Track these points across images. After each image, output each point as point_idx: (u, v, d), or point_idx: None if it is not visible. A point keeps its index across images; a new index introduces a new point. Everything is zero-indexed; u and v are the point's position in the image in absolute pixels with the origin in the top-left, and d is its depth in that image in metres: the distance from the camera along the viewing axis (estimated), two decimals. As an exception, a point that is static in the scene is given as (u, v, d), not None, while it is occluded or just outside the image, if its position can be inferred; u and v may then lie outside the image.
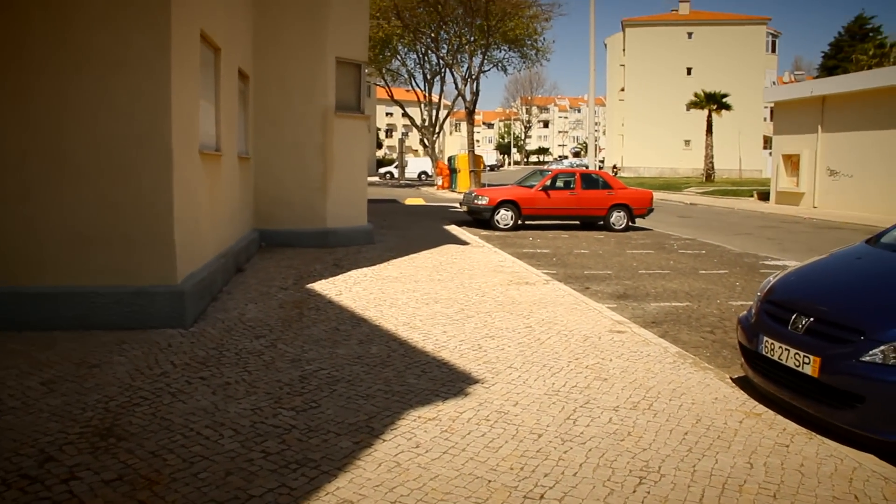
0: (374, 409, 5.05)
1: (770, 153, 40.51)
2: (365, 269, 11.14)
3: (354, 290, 9.48)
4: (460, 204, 21.44)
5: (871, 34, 66.59)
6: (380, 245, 14.39)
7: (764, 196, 39.24)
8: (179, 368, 5.90)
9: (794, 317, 5.22)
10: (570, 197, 20.11)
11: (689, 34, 79.03)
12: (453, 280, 10.46)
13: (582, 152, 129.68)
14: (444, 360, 6.34)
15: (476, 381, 5.75)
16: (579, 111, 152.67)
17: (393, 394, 5.40)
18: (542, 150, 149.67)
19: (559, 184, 20.51)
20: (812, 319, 5.08)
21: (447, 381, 5.72)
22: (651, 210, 21.14)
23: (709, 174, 59.27)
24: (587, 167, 29.81)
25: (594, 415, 5.07)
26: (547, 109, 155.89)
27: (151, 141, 7.07)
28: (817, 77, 57.46)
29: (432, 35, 42.38)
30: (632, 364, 6.39)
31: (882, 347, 4.57)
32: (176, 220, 7.23)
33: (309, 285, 9.73)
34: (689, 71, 77.63)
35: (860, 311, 4.98)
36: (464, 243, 15.28)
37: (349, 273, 10.76)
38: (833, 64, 65.41)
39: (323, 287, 9.61)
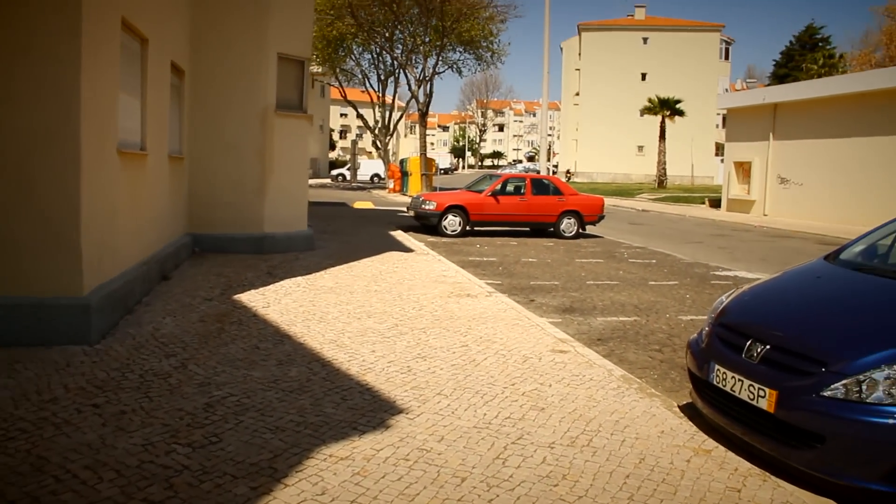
0: (282, 446, 4.49)
1: (722, 160, 40.58)
2: (299, 279, 10.53)
3: (284, 301, 8.88)
4: (407, 208, 20.86)
5: (820, 44, 67.53)
6: (320, 252, 13.76)
7: (715, 203, 39.31)
8: (72, 393, 5.27)
9: (748, 343, 4.75)
10: (520, 203, 19.65)
11: (645, 39, 79.42)
12: (391, 291, 9.90)
13: (536, 156, 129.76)
14: (369, 384, 5.79)
15: (400, 411, 5.21)
16: (535, 115, 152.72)
17: (306, 426, 4.83)
18: (497, 154, 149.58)
19: (509, 189, 20.04)
20: (768, 347, 4.61)
21: (368, 411, 5.17)
22: (602, 217, 20.81)
23: (661, 180, 59.43)
24: (539, 172, 29.44)
25: (527, 453, 4.56)
26: (502, 113, 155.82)
27: (57, 136, 6.40)
28: (769, 85, 57.88)
29: (387, 35, 41.78)
30: (572, 390, 5.89)
31: (845, 381, 4.13)
32: (84, 224, 6.58)
33: (237, 296, 9.11)
34: (643, 76, 77.99)
35: (821, 338, 4.53)
36: (408, 250, 14.72)
37: (282, 283, 10.15)
38: (784, 72, 66.14)
39: (251, 298, 8.99)
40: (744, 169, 35.72)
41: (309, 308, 8.55)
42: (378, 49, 44.69)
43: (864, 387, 4.07)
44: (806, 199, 31.62)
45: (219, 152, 13.05)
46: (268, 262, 11.95)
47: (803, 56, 65.07)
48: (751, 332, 4.83)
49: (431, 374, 6.16)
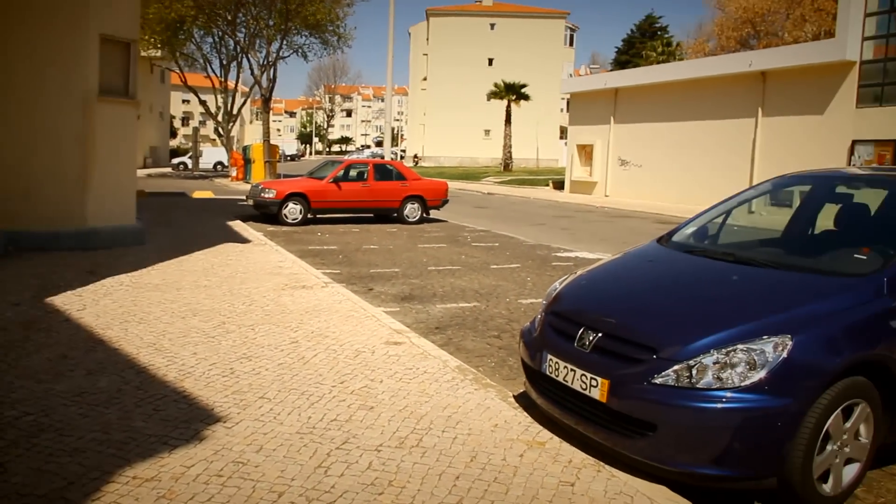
0: (79, 470, 4.01)
1: (566, 143, 41.54)
2: (123, 276, 9.82)
3: (103, 302, 8.21)
4: (246, 197, 20.08)
5: (659, 33, 70.47)
6: (150, 246, 12.96)
7: (559, 185, 40.25)
8: None
9: (580, 331, 4.59)
10: (363, 189, 19.29)
11: (492, 25, 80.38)
12: (221, 286, 9.36)
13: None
14: (186, 391, 5.34)
15: (218, 419, 4.80)
16: (383, 100, 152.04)
17: (110, 444, 4.36)
18: (345, 140, 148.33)
19: (351, 175, 19.62)
20: (600, 335, 4.47)
21: (182, 422, 4.74)
22: (446, 201, 20.75)
23: (507, 164, 60.43)
24: (383, 157, 29.19)
25: (351, 459, 4.26)
26: (350, 98, 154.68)
27: None
28: (611, 71, 59.79)
29: (229, 17, 40.24)
30: (404, 385, 5.64)
31: (676, 367, 4.04)
32: None
33: (50, 299, 8.35)
34: (490, 61, 78.94)
35: (652, 325, 4.44)
36: (245, 241, 14.11)
37: (103, 281, 9.42)
38: (626, 59, 68.61)
39: (66, 301, 8.26)
40: (586, 152, 36.71)
41: (129, 309, 7.93)
42: (220, 32, 43.20)
43: (694, 372, 4.00)
44: (645, 180, 32.80)
45: (33, 140, 12.05)
46: (91, 260, 11.11)
47: (643, 44, 67.69)
48: (583, 320, 4.70)
49: (256, 375, 5.76)
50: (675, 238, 5.89)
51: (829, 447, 4.08)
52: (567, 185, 38.34)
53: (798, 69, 26.27)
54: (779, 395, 3.88)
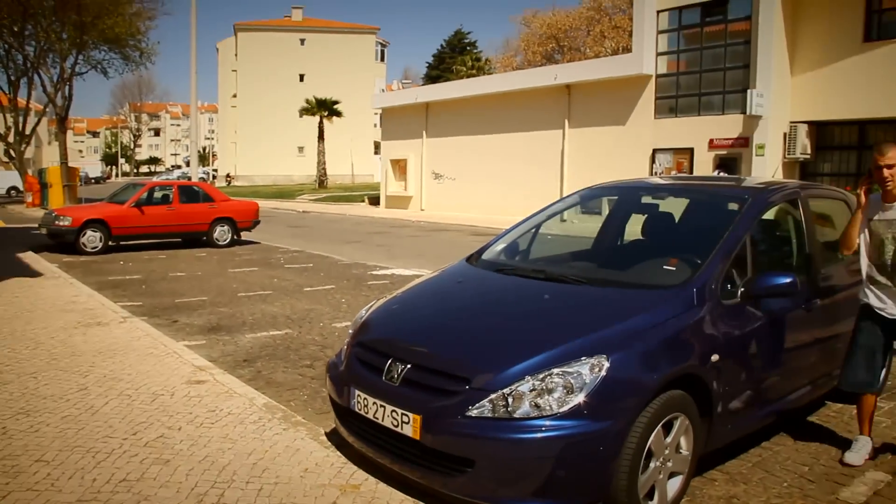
0: None
1: (381, 158, 41.44)
2: None
3: None
4: (39, 226, 18.43)
5: (468, 48, 72.00)
6: (-80, 283, 11.60)
7: (375, 201, 40.14)
8: None
9: (388, 363, 4.25)
10: (168, 212, 18.19)
11: (302, 41, 79.51)
12: (2, 329, 8.38)
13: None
14: (-58, 459, 4.59)
15: (-22, 493, 4.13)
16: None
17: None
18: (154, 160, 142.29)
19: (156, 198, 18.43)
20: (409, 366, 4.16)
21: (-68, 500, 4.04)
22: (257, 222, 20.01)
23: (322, 181, 59.75)
24: (189, 178, 27.92)
25: (139, 527, 3.74)
26: (158, 116, 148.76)
27: None
28: (423, 85, 60.44)
29: (16, 29, 37.14)
30: (206, 431, 5.11)
31: (491, 397, 3.77)
32: None
33: None
34: (301, 77, 78.03)
35: (463, 353, 4.17)
36: (35, 275, 12.88)
37: None
38: (437, 74, 69.58)
39: None
40: (400, 166, 36.77)
41: None
42: (6, 46, 39.98)
43: (510, 401, 3.75)
44: (460, 192, 33.17)
45: None
46: None
47: (453, 59, 68.92)
48: (391, 351, 4.36)
49: (34, 433, 5.04)
50: (486, 256, 5.67)
51: (652, 464, 3.97)
52: (383, 200, 38.26)
53: (600, 82, 27.31)
54: (599, 419, 3.71)
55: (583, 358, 3.81)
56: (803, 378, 5.30)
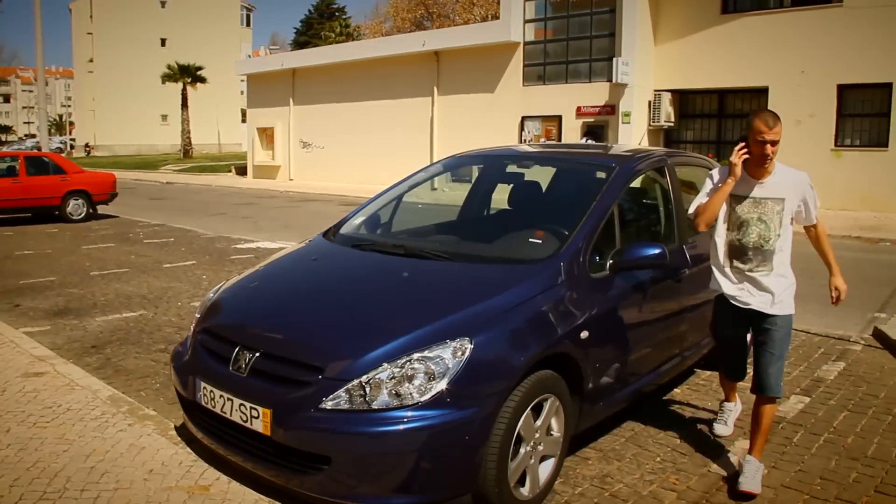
0: None
1: (247, 127, 40.23)
2: None
3: None
4: None
5: (337, 14, 70.66)
6: None
7: (242, 171, 39.00)
8: None
9: (236, 351, 3.87)
10: (14, 185, 16.87)
11: (163, 2, 76.27)
12: None
13: (53, 129, 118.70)
14: None
15: None
16: (48, 84, 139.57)
17: None
18: (5, 129, 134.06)
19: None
20: (258, 354, 3.80)
21: None
22: (115, 195, 18.93)
23: (187, 150, 57.65)
24: (40, 148, 26.26)
25: (-52, 551, 3.28)
26: (7, 81, 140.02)
27: None
28: (289, 52, 58.95)
29: None
30: (39, 432, 4.60)
31: (347, 387, 3.47)
32: None
33: None
34: (163, 42, 74.90)
35: (316, 338, 3.83)
36: None
37: None
38: (305, 40, 68.06)
39: None
40: (267, 135, 35.79)
41: None
42: None
43: (367, 391, 3.46)
44: (329, 161, 32.56)
45: None
46: None
47: (322, 25, 67.50)
48: (238, 338, 3.98)
49: None
50: (344, 230, 5.32)
51: (522, 449, 3.78)
52: (250, 170, 37.17)
53: (469, 49, 27.14)
54: (464, 406, 3.47)
55: (445, 341, 3.55)
56: (674, 349, 5.24)
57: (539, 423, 3.87)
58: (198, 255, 12.47)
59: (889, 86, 19.59)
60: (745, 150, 4.11)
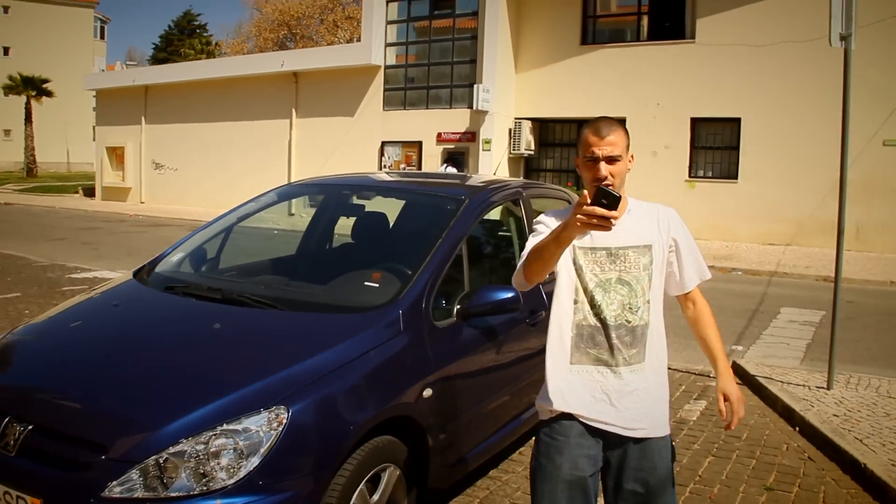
0: None
1: (96, 145, 38.19)
2: None
3: None
4: None
5: (198, 30, 68.69)
6: None
7: (90, 192, 36.96)
8: None
9: (4, 423, 3.11)
10: None
11: (6, 8, 71.90)
12: None
13: None
14: None
15: None
16: None
17: None
18: None
19: None
20: (31, 428, 3.05)
21: None
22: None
23: (31, 168, 54.37)
24: None
25: None
26: None
27: None
28: (141, 67, 56.70)
29: None
30: None
31: (137, 469, 2.80)
32: None
33: None
34: (6, 51, 70.66)
35: (100, 408, 3.13)
36: None
37: None
38: (164, 56, 65.83)
39: None
40: (117, 154, 34.07)
41: None
42: None
43: (163, 473, 2.81)
44: (183, 184, 31.25)
45: None
46: None
47: (182, 41, 65.43)
48: (8, 406, 3.20)
49: None
50: (160, 268, 4.57)
51: (358, 531, 3.20)
52: (98, 191, 35.17)
53: (329, 71, 26.55)
54: (282, 488, 2.91)
55: (258, 410, 2.95)
56: (531, 396, 4.79)
57: (377, 497, 3.35)
58: (25, 286, 11.32)
59: (738, 120, 20.26)
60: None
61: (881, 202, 17.93)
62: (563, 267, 2.80)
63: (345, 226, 5.26)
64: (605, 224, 2.37)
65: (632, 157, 2.84)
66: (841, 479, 4.96)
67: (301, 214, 6.18)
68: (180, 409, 2.97)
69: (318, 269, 4.95)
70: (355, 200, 5.25)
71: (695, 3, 20.84)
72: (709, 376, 7.31)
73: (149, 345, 3.63)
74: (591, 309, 2.79)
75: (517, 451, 5.17)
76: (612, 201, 2.36)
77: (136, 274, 4.55)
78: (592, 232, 2.65)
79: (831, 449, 5.35)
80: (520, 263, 2.85)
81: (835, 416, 5.97)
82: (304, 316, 3.79)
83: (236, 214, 5.09)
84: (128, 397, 3.15)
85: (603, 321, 2.77)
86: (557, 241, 2.57)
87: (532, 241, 2.82)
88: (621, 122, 2.83)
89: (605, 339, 2.77)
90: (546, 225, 2.85)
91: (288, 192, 5.26)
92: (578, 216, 2.40)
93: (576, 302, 2.82)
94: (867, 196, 17.16)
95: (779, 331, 9.78)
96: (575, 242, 2.75)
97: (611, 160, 2.71)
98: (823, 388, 6.72)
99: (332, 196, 5.45)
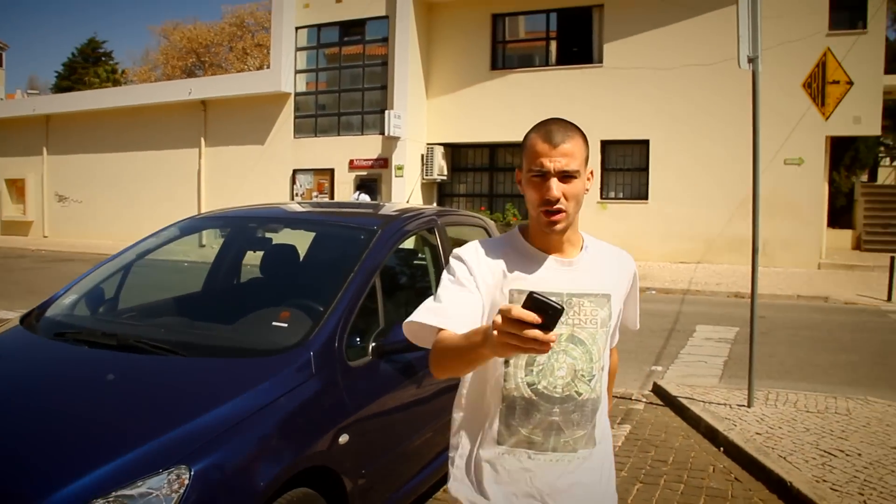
0: None
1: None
2: None
3: None
4: None
5: (103, 58, 66.71)
6: None
7: (-8, 227, 35.44)
8: None
9: None
10: None
11: None
12: None
13: None
14: None
15: None
16: None
17: None
18: None
19: None
20: None
21: None
22: None
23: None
24: None
25: None
26: None
27: None
28: (41, 95, 54.86)
29: None
30: None
31: None
32: None
33: None
34: None
35: None
36: None
37: None
38: (68, 84, 63.59)
39: None
40: (17, 187, 32.76)
41: None
42: None
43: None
44: (88, 216, 30.23)
45: None
46: None
47: (86, 69, 63.49)
48: None
49: None
50: (50, 312, 4.19)
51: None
52: (-1, 225, 33.87)
53: (238, 99, 26.11)
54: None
55: (157, 471, 2.65)
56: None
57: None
58: None
59: (647, 142, 20.68)
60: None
61: (784, 219, 18.45)
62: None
63: (255, 257, 5.00)
64: (539, 348, 1.63)
65: (591, 173, 2.23)
66: (768, 498, 4.93)
67: (212, 245, 5.90)
68: (66, 475, 2.63)
69: (224, 308, 4.64)
70: (264, 234, 4.99)
71: (602, 28, 21.24)
72: (631, 399, 7.28)
73: (32, 402, 3.25)
74: (529, 376, 2.14)
75: (442, 490, 4.98)
76: (553, 315, 1.62)
77: (23, 320, 4.17)
78: (538, 272, 2.16)
79: (756, 468, 5.34)
80: (420, 317, 2.11)
81: (757, 434, 5.97)
82: (207, 362, 3.49)
83: (136, 251, 4.75)
84: (11, 460, 2.80)
85: (543, 392, 2.14)
86: (468, 358, 1.90)
87: (446, 296, 2.13)
88: (577, 127, 2.20)
89: (543, 417, 2.14)
90: (465, 270, 2.17)
91: (191, 226, 4.95)
92: (502, 337, 1.65)
93: (507, 364, 2.15)
94: (771, 213, 17.61)
95: (696, 349, 9.86)
96: (512, 286, 2.14)
97: (565, 177, 2.10)
98: (744, 405, 6.75)
99: (237, 229, 5.18)
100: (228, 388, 3.20)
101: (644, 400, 7.29)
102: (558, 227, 2.13)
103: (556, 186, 2.09)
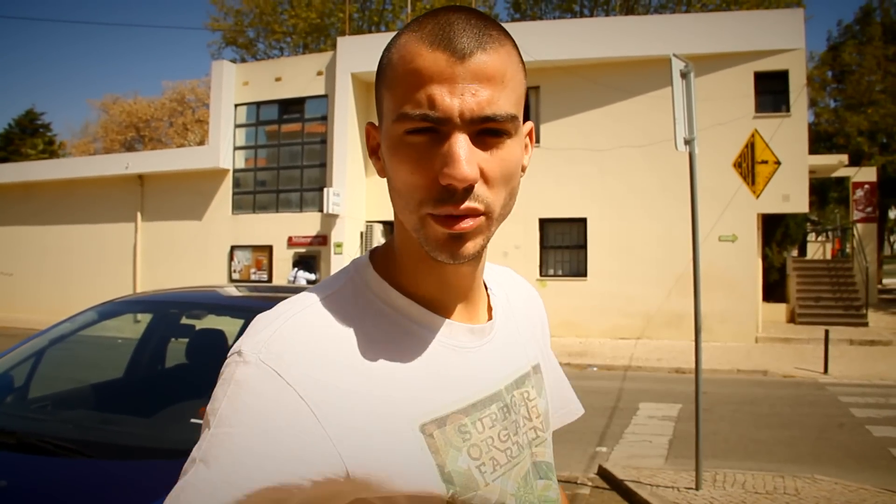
0: None
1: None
2: None
3: None
4: None
5: (41, 129, 65.69)
6: None
7: None
8: None
9: None
10: None
11: None
12: None
13: None
14: None
15: None
16: None
17: None
18: None
19: None
20: None
21: None
22: None
23: None
24: None
25: None
26: None
27: None
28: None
29: None
30: None
31: None
32: None
33: None
34: None
35: None
36: None
37: None
38: (3, 155, 62.35)
39: None
40: (-58, 260, 31.72)
41: None
42: None
43: None
44: (17, 290, 29.39)
45: None
46: None
47: (24, 140, 62.46)
48: None
49: None
50: None
51: None
52: (-82, 301, 32.62)
53: (175, 174, 25.79)
54: None
55: None
56: None
57: None
58: None
59: (584, 220, 20.86)
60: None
61: (720, 294, 18.62)
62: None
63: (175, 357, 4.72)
64: None
65: (531, 132, 1.20)
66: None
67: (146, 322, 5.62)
68: None
69: (143, 399, 4.28)
70: (187, 321, 4.72)
71: (539, 109, 21.54)
72: (577, 482, 7.07)
73: None
74: None
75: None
76: None
77: None
78: (450, 365, 1.11)
79: (707, 558, 5.16)
80: None
81: (706, 520, 5.82)
82: (116, 466, 3.09)
83: (48, 336, 4.43)
84: None
85: None
86: None
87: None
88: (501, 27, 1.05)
89: None
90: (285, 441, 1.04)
91: (110, 311, 4.62)
92: None
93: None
94: (708, 288, 17.67)
95: (640, 427, 9.73)
96: (422, 420, 1.05)
97: (485, 133, 1.00)
98: (692, 488, 6.60)
99: (160, 315, 4.90)
100: (138, 499, 2.81)
101: (590, 484, 7.10)
102: (468, 247, 1.06)
103: (465, 152, 0.97)
